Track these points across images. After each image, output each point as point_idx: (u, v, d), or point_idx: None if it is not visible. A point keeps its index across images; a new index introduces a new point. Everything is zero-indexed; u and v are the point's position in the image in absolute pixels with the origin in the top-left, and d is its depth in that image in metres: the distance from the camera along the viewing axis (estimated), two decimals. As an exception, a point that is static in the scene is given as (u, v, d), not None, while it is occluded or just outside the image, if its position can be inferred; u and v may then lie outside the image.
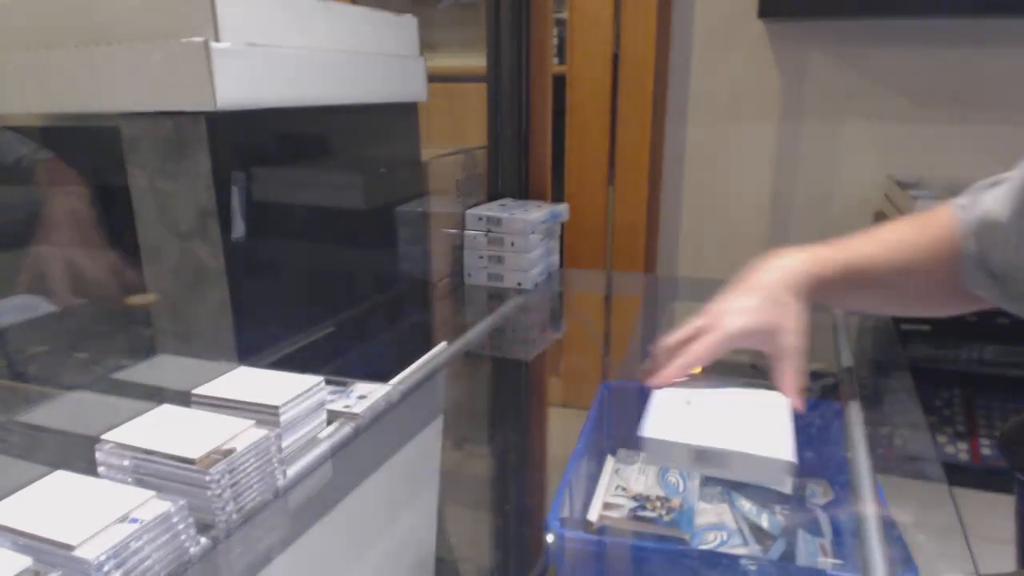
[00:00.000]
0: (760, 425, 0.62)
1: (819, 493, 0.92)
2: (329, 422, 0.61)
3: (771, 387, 0.66)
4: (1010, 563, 1.11)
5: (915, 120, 1.76)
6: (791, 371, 0.63)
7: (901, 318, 1.63)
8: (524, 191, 1.33)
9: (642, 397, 1.09)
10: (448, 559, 1.01)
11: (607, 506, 0.92)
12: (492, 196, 1.29)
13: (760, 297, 0.64)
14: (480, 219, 1.15)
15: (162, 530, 0.44)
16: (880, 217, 1.74)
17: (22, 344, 0.77)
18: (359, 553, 0.72)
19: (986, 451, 1.59)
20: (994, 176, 0.64)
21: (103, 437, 0.50)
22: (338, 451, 0.60)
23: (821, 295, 0.67)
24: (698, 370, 1.10)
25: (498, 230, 1.14)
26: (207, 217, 0.65)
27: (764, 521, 0.91)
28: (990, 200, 0.62)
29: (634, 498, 0.93)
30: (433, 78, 0.98)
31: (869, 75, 1.76)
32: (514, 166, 1.30)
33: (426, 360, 0.78)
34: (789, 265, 0.66)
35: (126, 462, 0.49)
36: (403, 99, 0.94)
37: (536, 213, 1.15)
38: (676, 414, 0.66)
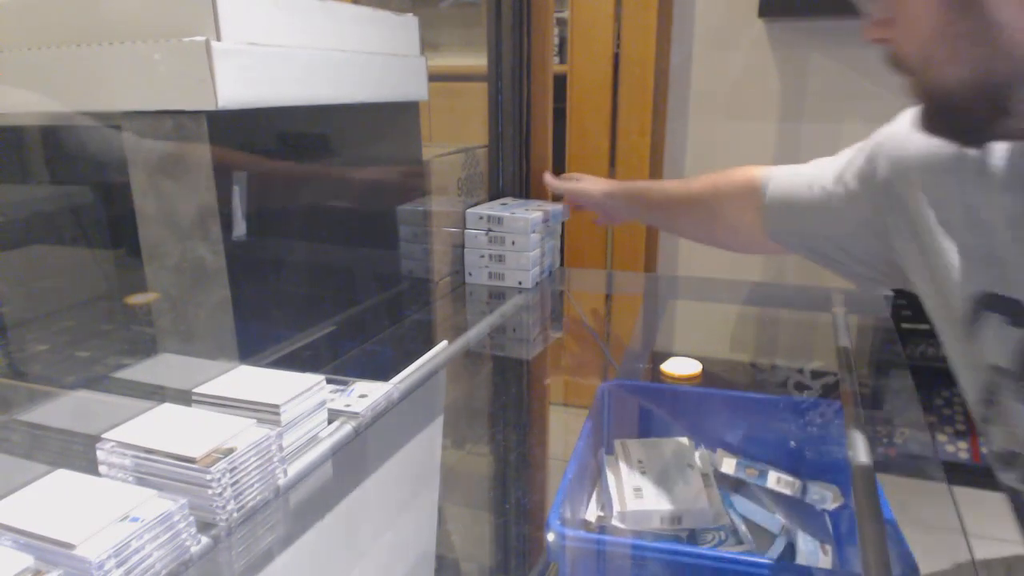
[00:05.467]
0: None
1: (829, 498, 0.92)
2: (330, 421, 0.61)
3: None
4: (1010, 562, 1.10)
5: (915, 120, 1.76)
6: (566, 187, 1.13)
7: (901, 317, 1.63)
8: (525, 190, 1.33)
9: (643, 396, 1.09)
10: (449, 558, 1.01)
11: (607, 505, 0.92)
12: (493, 195, 1.29)
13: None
14: (481, 218, 1.15)
15: (163, 529, 0.44)
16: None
17: (23, 342, 0.77)
18: (360, 552, 0.72)
19: (986, 450, 1.59)
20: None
21: (104, 436, 0.50)
22: (339, 450, 0.60)
23: (630, 203, 1.02)
24: (697, 372, 1.11)
25: (499, 229, 1.15)
26: (208, 216, 0.66)
27: (764, 521, 0.91)
28: (792, 169, 0.76)
29: (634, 497, 0.93)
30: (434, 77, 0.98)
31: (869, 75, 1.76)
32: (515, 165, 1.30)
33: (427, 359, 0.78)
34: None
35: (127, 461, 0.49)
36: (404, 98, 0.94)
37: (537, 212, 1.15)
38: None
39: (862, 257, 0.70)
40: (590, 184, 1.08)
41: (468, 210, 1.17)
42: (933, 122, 0.50)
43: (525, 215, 1.13)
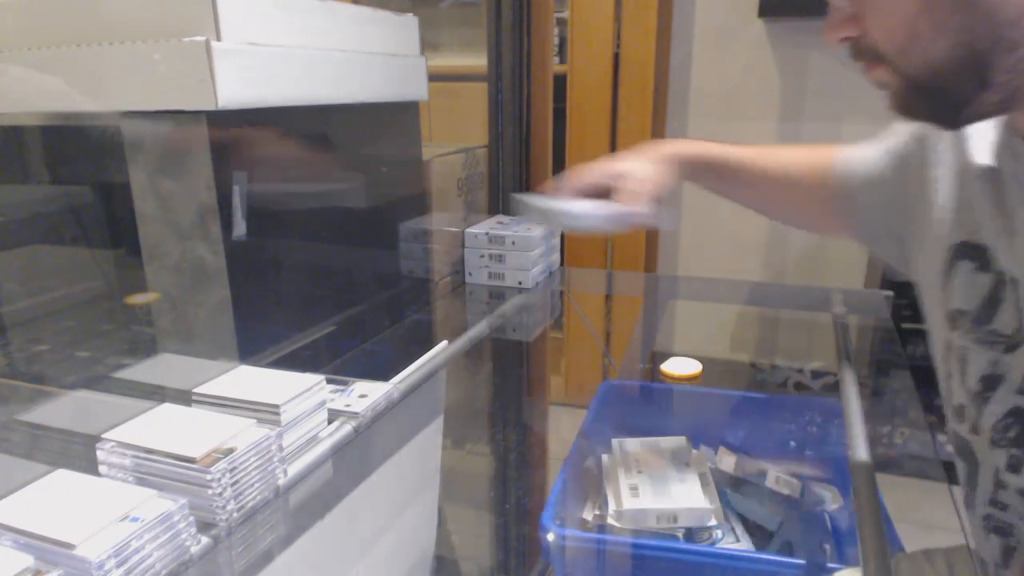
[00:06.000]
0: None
1: (828, 499, 0.92)
2: (330, 421, 0.61)
3: None
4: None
5: (915, 120, 1.76)
6: (627, 195, 0.78)
7: (901, 317, 1.63)
8: (525, 191, 1.33)
9: (643, 396, 1.09)
10: (448, 557, 1.01)
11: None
12: (493, 195, 1.29)
13: (636, 155, 0.83)
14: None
15: (163, 529, 0.44)
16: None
17: (23, 342, 0.77)
18: (360, 551, 0.72)
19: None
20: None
21: (104, 436, 0.50)
22: (339, 450, 0.60)
23: (692, 174, 0.84)
24: (697, 372, 1.11)
25: (500, 229, 1.14)
26: (208, 216, 0.66)
27: (762, 519, 0.91)
28: (866, 146, 0.74)
29: (634, 497, 0.93)
30: (434, 77, 0.98)
31: (869, 74, 1.76)
32: (515, 165, 1.30)
33: (427, 359, 0.78)
34: (668, 143, 0.84)
35: (127, 461, 0.49)
36: (404, 98, 0.94)
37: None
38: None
39: (895, 239, 0.71)
40: (647, 183, 0.79)
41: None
42: (913, 105, 0.52)
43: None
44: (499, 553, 1.06)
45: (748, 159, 0.82)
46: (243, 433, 0.51)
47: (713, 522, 0.85)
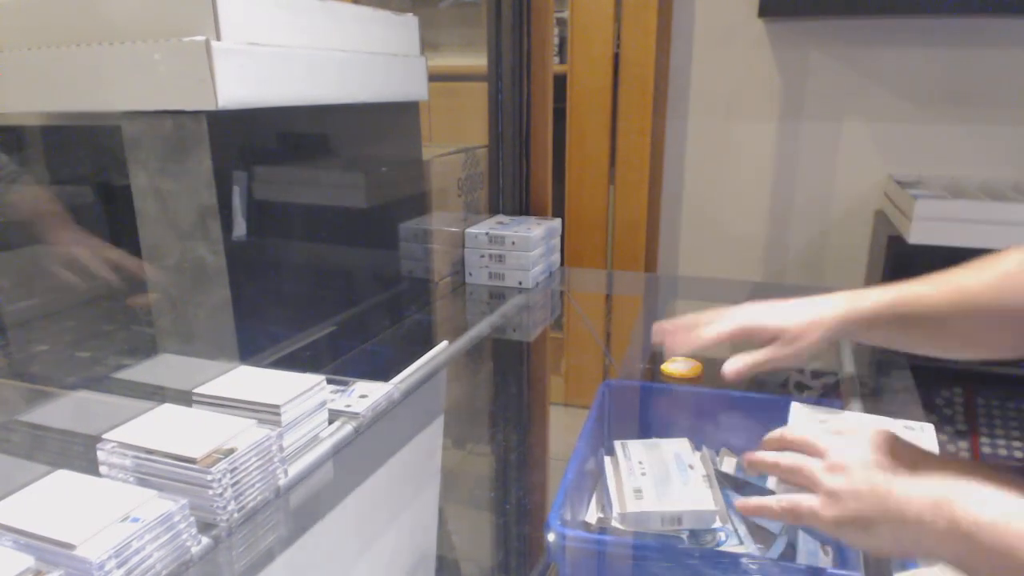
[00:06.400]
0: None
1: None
2: (330, 421, 0.61)
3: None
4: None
5: (915, 120, 1.76)
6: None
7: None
8: (525, 191, 1.33)
9: (643, 396, 1.09)
10: (449, 558, 1.01)
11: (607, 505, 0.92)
12: (493, 195, 1.29)
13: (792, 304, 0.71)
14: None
15: (163, 529, 0.44)
16: (880, 217, 1.74)
17: (23, 342, 0.77)
18: (360, 552, 0.72)
19: (986, 449, 1.59)
20: None
21: (105, 436, 0.50)
22: (339, 450, 0.60)
23: (867, 333, 0.69)
24: (697, 371, 1.10)
25: (499, 229, 1.15)
26: (208, 216, 0.65)
27: (764, 521, 0.91)
28: None
29: (635, 497, 0.93)
30: (434, 77, 0.98)
31: (869, 75, 1.76)
32: (515, 165, 1.30)
33: (427, 359, 0.78)
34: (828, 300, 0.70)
35: (127, 461, 0.49)
36: (404, 98, 0.93)
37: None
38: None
39: None
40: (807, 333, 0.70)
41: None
42: None
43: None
44: (499, 553, 1.06)
45: (923, 294, 0.66)
46: (243, 433, 0.51)
47: (718, 524, 0.85)
